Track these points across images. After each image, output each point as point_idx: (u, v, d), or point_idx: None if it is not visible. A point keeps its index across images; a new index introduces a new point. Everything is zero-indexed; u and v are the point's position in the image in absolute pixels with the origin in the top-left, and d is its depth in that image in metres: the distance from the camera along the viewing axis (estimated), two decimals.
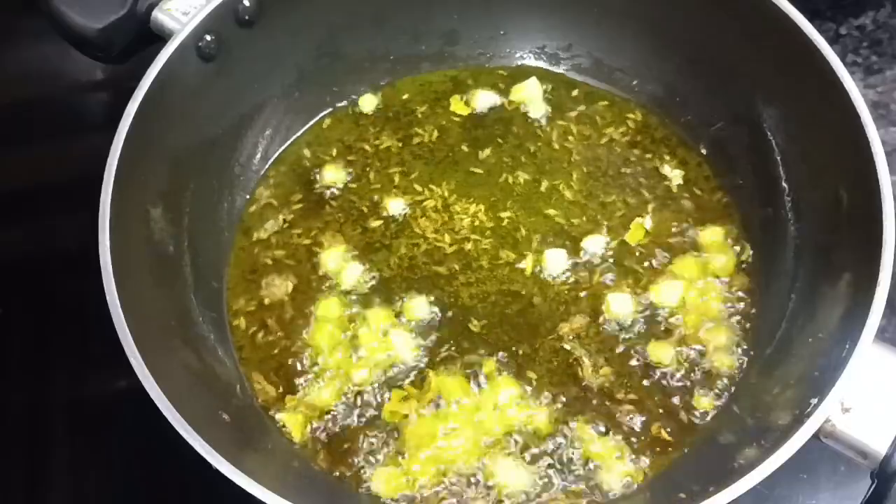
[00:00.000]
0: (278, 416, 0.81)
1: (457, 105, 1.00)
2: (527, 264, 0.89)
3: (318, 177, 0.96)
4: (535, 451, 0.79)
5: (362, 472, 0.79)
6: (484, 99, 1.00)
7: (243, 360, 0.85)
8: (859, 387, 0.66)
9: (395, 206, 0.93)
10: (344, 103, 1.00)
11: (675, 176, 0.94)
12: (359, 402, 0.82)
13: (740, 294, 0.86)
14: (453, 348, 0.84)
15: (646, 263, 0.88)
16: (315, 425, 0.81)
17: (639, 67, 0.99)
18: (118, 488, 0.88)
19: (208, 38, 0.84)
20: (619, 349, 0.84)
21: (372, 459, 0.79)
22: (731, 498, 0.63)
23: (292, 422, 0.81)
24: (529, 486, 0.78)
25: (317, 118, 0.99)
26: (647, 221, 0.91)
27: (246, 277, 0.89)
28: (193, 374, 0.78)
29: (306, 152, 0.97)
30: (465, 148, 0.97)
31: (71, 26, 0.88)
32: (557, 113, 0.99)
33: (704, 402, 0.81)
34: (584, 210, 0.92)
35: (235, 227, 0.92)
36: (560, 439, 0.80)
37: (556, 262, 0.89)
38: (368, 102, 1.00)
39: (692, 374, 0.83)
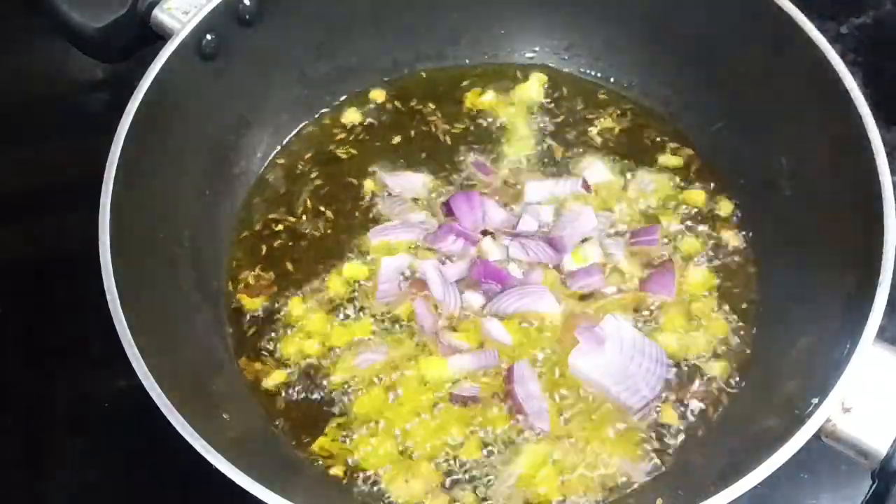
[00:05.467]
0: (277, 415, 0.82)
1: (457, 104, 1.00)
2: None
3: (318, 176, 0.96)
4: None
5: (359, 466, 0.79)
6: (485, 98, 1.00)
7: (243, 358, 0.85)
8: (860, 387, 0.67)
9: None
10: (344, 102, 1.00)
11: (675, 175, 0.94)
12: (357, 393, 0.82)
13: (741, 294, 0.86)
14: None
15: (645, 263, 0.89)
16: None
17: (639, 66, 0.99)
18: (118, 488, 0.88)
19: (209, 37, 0.84)
20: None
21: (373, 453, 0.79)
22: (731, 498, 0.63)
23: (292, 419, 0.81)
24: None
25: (316, 117, 0.99)
26: (646, 221, 0.91)
27: (246, 276, 0.89)
28: (193, 374, 0.78)
29: (306, 151, 0.97)
30: (464, 148, 0.97)
31: (71, 25, 0.88)
32: (558, 111, 0.99)
33: (704, 402, 0.81)
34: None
35: (236, 225, 0.92)
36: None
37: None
38: (369, 102, 1.00)
39: (692, 374, 0.82)
